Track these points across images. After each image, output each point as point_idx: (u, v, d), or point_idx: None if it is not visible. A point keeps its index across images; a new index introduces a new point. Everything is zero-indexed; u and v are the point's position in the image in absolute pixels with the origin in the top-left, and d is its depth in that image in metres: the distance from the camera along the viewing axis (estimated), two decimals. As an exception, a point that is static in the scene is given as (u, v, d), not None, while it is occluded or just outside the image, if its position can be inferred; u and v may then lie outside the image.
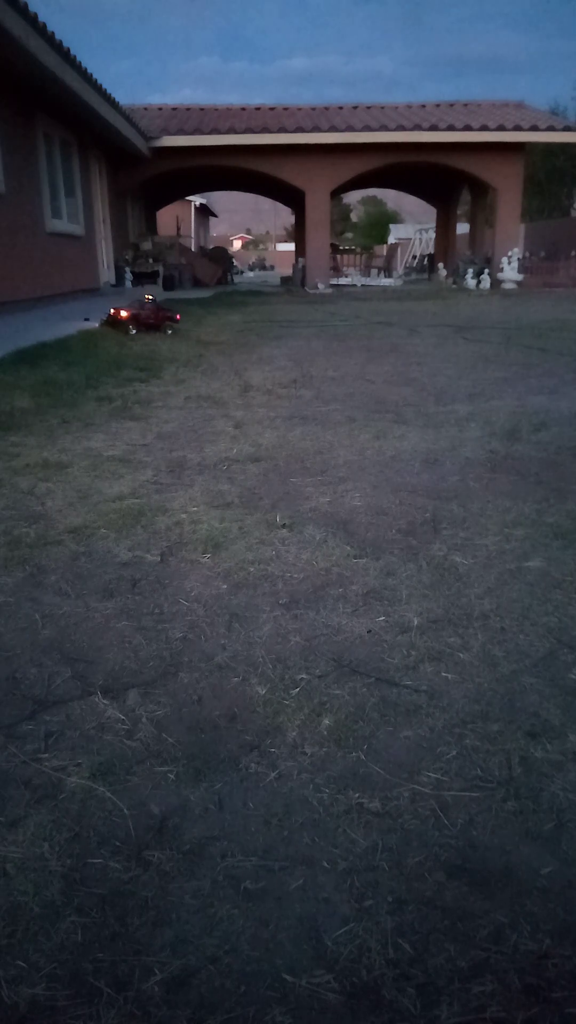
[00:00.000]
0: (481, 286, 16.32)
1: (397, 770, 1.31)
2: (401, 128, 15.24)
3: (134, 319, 7.54)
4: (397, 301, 13.41)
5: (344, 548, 2.26)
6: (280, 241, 55.02)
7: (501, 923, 1.02)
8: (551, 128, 15.98)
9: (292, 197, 19.44)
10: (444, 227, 21.51)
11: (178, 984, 0.94)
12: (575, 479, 2.95)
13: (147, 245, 15.15)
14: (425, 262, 24.37)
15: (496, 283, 16.39)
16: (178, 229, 22.78)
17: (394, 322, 9.48)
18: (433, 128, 15.29)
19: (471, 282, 16.53)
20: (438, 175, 18.22)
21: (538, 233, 22.64)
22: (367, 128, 15.29)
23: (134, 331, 7.43)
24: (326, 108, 17.32)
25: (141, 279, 14.33)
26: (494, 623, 1.81)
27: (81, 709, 1.50)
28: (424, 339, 7.67)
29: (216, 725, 1.44)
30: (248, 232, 71.61)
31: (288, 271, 23.24)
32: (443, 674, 1.60)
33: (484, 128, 15.32)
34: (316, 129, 15.35)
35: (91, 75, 9.94)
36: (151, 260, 14.75)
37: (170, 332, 7.65)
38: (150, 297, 8.42)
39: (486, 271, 16.74)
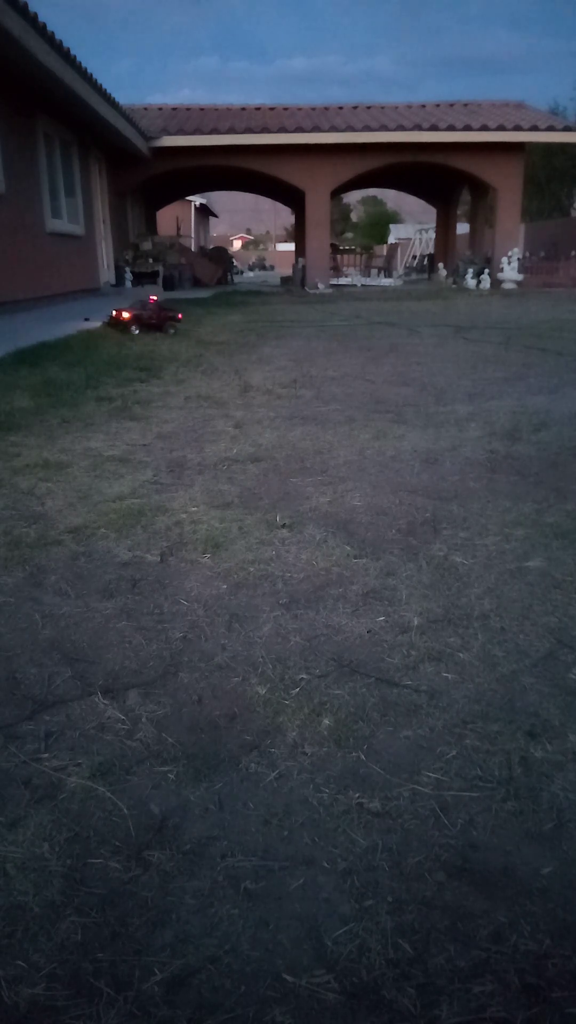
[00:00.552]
0: (481, 286, 16.32)
1: (397, 770, 1.31)
2: (401, 128, 15.25)
3: (136, 319, 7.53)
4: (397, 301, 13.41)
5: (344, 548, 2.26)
6: (280, 241, 55.03)
7: (501, 923, 1.02)
8: (551, 128, 15.99)
9: (292, 197, 19.44)
10: (444, 227, 21.51)
11: (178, 984, 0.94)
12: (575, 479, 2.95)
13: (147, 245, 15.15)
14: (425, 262, 24.37)
15: (496, 283, 16.39)
16: (178, 229, 22.79)
17: (394, 322, 9.48)
18: (433, 128, 15.29)
19: (471, 282, 16.53)
20: (438, 175, 18.22)
21: (538, 233, 22.65)
22: (367, 128, 15.29)
23: (137, 331, 7.43)
24: (326, 108, 17.32)
25: (141, 279, 14.33)
26: (494, 623, 1.81)
27: (81, 709, 1.50)
28: (424, 339, 7.67)
29: (216, 725, 1.44)
30: (248, 232, 71.61)
31: (288, 271, 23.23)
32: (443, 674, 1.60)
33: (484, 128, 15.32)
34: (316, 129, 15.35)
35: (91, 75, 9.94)
36: (151, 260, 14.75)
37: (173, 332, 7.64)
38: (154, 297, 8.42)
39: (486, 271, 16.74)
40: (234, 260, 24.85)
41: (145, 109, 16.89)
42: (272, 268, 40.18)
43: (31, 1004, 0.91)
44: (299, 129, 15.28)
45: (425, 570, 2.11)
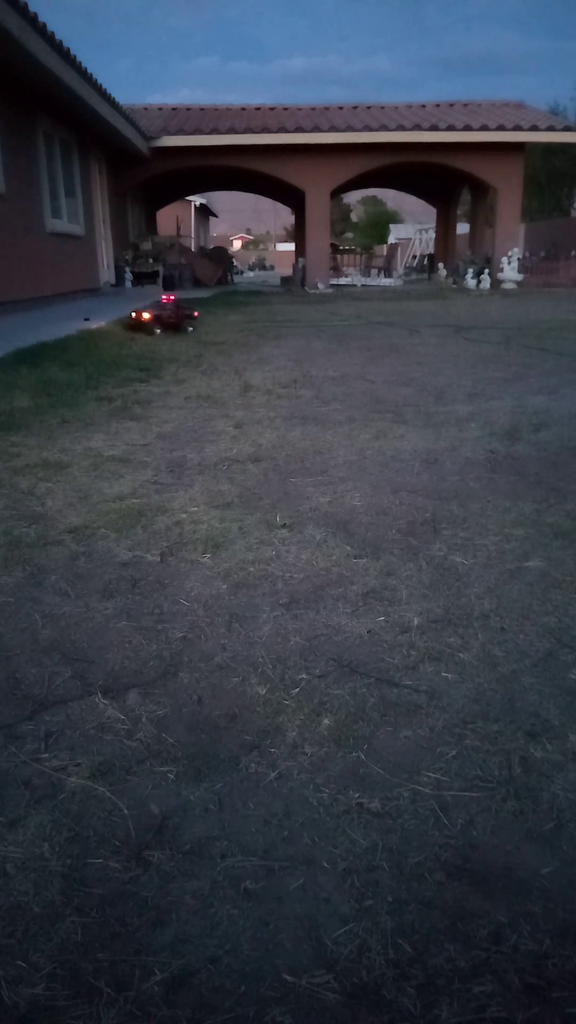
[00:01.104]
0: (481, 286, 16.32)
1: (397, 770, 1.31)
2: (401, 128, 15.24)
3: (157, 320, 7.51)
4: (397, 301, 13.41)
5: (344, 548, 2.26)
6: (280, 241, 55.01)
7: (501, 923, 1.02)
8: (551, 128, 15.99)
9: (292, 197, 19.44)
10: (444, 227, 21.51)
11: (178, 984, 0.94)
12: (575, 479, 2.95)
13: (147, 245, 15.15)
14: (425, 262, 24.38)
15: (496, 283, 16.38)
16: (178, 229, 22.78)
17: (394, 322, 9.48)
18: (433, 128, 15.29)
19: (471, 282, 16.53)
20: (438, 175, 18.22)
21: (538, 233, 22.64)
22: (367, 128, 15.29)
23: (158, 331, 7.40)
24: (326, 108, 17.32)
25: (141, 279, 14.33)
26: (494, 623, 1.81)
27: (81, 709, 1.50)
28: (424, 339, 7.67)
29: (216, 725, 1.44)
30: (248, 232, 71.60)
31: (288, 271, 23.22)
32: (443, 674, 1.60)
33: (484, 128, 15.32)
34: (316, 129, 15.34)
35: (91, 75, 9.94)
36: (151, 260, 14.75)
37: (191, 330, 7.62)
38: (171, 296, 8.42)
39: (486, 271, 16.74)
40: (234, 260, 24.84)
41: (145, 109, 16.89)
42: (272, 268, 40.17)
43: (31, 1004, 0.91)
44: (299, 129, 15.28)
45: (425, 570, 2.11)
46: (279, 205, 25.51)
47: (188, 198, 28.41)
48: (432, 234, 24.31)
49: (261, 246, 61.43)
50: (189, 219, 30.69)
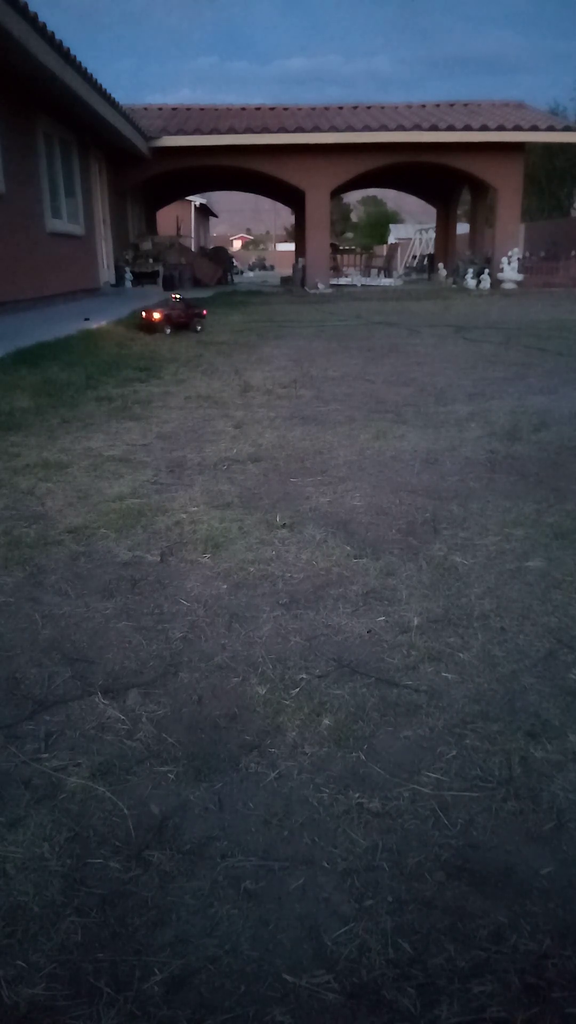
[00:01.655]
0: (481, 286, 16.32)
1: (397, 770, 1.31)
2: (401, 128, 15.24)
3: (167, 319, 7.49)
4: (397, 301, 13.41)
5: (344, 548, 2.26)
6: (280, 241, 55.03)
7: (501, 923, 1.02)
8: (551, 128, 15.99)
9: (292, 197, 19.43)
10: (444, 227, 21.51)
11: (178, 984, 0.94)
12: (575, 479, 2.95)
13: (147, 245, 15.15)
14: (425, 262, 24.37)
15: (496, 283, 16.38)
16: (178, 229, 22.79)
17: (394, 322, 9.48)
18: (433, 128, 15.29)
19: (471, 282, 16.53)
20: (438, 175, 18.22)
21: (538, 233, 22.64)
22: (367, 128, 15.29)
23: (169, 331, 7.38)
24: (326, 108, 17.32)
25: (141, 279, 14.33)
26: (494, 623, 1.81)
27: (81, 709, 1.50)
28: (424, 339, 7.67)
29: (216, 725, 1.44)
30: (248, 232, 71.60)
31: (288, 271, 23.23)
32: (443, 674, 1.60)
33: (484, 128, 15.32)
34: (316, 129, 15.35)
35: (91, 75, 9.94)
36: (151, 260, 14.75)
37: (200, 328, 7.60)
38: (177, 296, 8.42)
39: (486, 271, 16.74)
40: (234, 260, 24.85)
41: (145, 109, 16.89)
42: (272, 268, 40.18)
43: (31, 1004, 0.91)
44: (299, 129, 15.28)
45: (425, 570, 2.11)
46: (279, 205, 25.51)
47: (188, 198, 28.40)
48: (432, 234, 24.31)
49: (261, 246, 61.43)
50: (189, 219, 30.69)
